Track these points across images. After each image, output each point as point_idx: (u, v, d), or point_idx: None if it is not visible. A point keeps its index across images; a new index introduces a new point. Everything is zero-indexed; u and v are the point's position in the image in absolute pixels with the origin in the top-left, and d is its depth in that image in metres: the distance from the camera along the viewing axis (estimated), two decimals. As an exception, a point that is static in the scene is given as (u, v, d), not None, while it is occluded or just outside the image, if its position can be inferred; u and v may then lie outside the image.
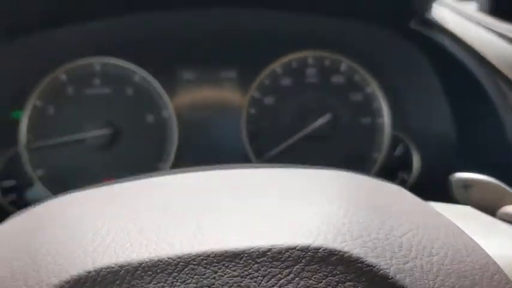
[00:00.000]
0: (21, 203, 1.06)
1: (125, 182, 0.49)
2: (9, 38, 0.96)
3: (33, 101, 1.06)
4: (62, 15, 1.00)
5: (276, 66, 1.12)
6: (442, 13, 0.94)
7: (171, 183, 0.45)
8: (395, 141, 1.12)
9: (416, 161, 1.11)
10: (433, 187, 1.09)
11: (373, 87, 1.12)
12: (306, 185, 0.41)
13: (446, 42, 0.91)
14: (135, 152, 1.08)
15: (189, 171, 0.48)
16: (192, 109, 1.12)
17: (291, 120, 1.11)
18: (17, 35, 0.97)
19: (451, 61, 0.92)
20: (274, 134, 1.11)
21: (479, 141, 0.92)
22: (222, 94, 1.13)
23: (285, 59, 1.13)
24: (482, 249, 0.33)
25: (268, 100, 1.12)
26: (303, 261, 0.30)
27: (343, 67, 1.13)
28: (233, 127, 1.12)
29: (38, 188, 1.06)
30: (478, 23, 0.96)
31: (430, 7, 0.92)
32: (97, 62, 1.09)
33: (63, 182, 1.06)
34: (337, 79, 1.13)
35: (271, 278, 0.29)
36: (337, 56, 1.13)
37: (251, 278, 0.30)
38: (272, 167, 0.48)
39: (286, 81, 1.13)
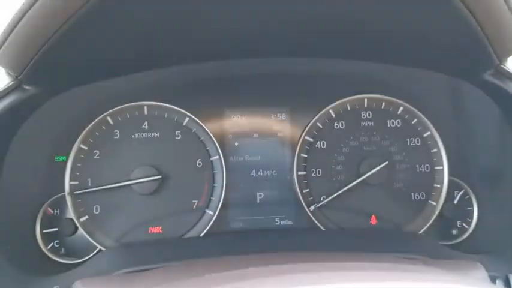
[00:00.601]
0: (62, 250, 1.02)
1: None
2: (63, 89, 0.93)
3: (78, 145, 1.02)
4: (113, 69, 0.97)
5: (330, 108, 1.08)
6: None
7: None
8: (454, 189, 1.07)
9: (475, 209, 1.05)
10: (494, 235, 1.04)
11: (432, 132, 1.07)
12: None
13: None
14: (182, 197, 1.03)
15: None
16: (240, 153, 1.07)
17: (345, 166, 1.06)
18: (71, 87, 0.94)
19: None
20: (326, 180, 1.06)
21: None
22: (273, 138, 1.08)
23: (340, 101, 1.08)
24: None
25: (321, 144, 1.07)
26: None
27: (400, 111, 1.08)
28: (283, 172, 1.07)
29: (80, 234, 1.01)
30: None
31: (507, 60, 0.87)
32: (145, 105, 1.05)
33: (106, 229, 1.01)
34: (394, 123, 1.08)
35: None
36: (394, 99, 1.08)
37: None
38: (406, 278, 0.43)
39: (340, 125, 1.08)
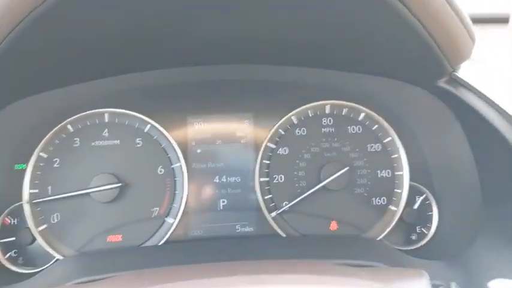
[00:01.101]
0: (20, 260, 1.00)
1: None
2: (21, 95, 0.92)
3: (37, 153, 1.01)
4: (73, 76, 0.97)
5: (292, 115, 1.09)
6: (472, 70, 0.91)
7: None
8: (414, 194, 1.08)
9: (435, 215, 1.06)
10: (452, 241, 1.05)
11: (393, 138, 1.08)
12: None
13: (473, 100, 0.88)
14: (142, 205, 1.03)
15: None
16: (203, 160, 1.07)
17: (306, 172, 1.06)
18: (28, 94, 0.93)
19: (477, 118, 0.88)
20: (288, 186, 1.06)
21: (505, 202, 0.89)
22: (236, 144, 1.08)
23: (301, 108, 1.09)
24: None
25: (282, 150, 1.08)
26: None
27: (361, 117, 1.09)
28: (246, 179, 1.07)
29: (39, 244, 1.00)
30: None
31: (460, 67, 0.88)
32: (106, 112, 1.04)
33: (65, 238, 1.00)
34: (354, 129, 1.09)
35: None
36: (355, 105, 1.09)
37: None
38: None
39: (301, 131, 1.09)
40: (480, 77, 0.91)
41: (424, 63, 0.88)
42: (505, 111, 0.84)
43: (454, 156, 1.01)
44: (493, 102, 0.86)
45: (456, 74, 0.90)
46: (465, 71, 0.91)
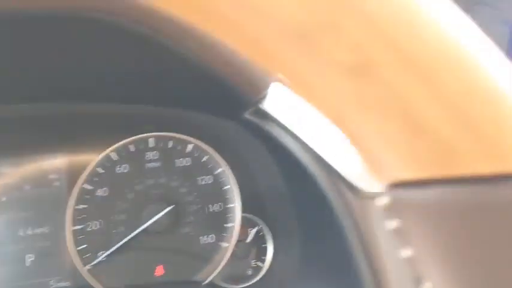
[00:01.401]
0: None
1: None
2: None
3: None
4: None
5: (111, 151, 0.99)
6: (281, 101, 0.87)
7: None
8: (248, 226, 1.03)
9: (270, 247, 1.01)
10: (286, 275, 1.01)
11: (224, 169, 1.02)
12: None
13: (277, 132, 0.84)
14: None
15: None
16: (8, 210, 0.93)
17: (129, 214, 0.96)
18: None
19: (283, 150, 0.84)
20: (107, 232, 0.95)
21: (319, 235, 0.85)
22: (47, 189, 0.96)
23: (122, 143, 0.99)
24: None
25: (102, 192, 0.97)
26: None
27: (189, 148, 1.02)
28: (57, 228, 0.95)
29: None
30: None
31: (263, 98, 0.84)
32: None
33: None
34: (182, 162, 1.01)
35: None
36: (182, 136, 1.01)
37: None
38: None
39: (123, 169, 0.99)
40: (287, 105, 0.87)
41: (223, 95, 0.82)
42: (303, 141, 0.80)
43: (280, 187, 0.97)
44: (295, 134, 0.82)
45: (260, 106, 0.85)
46: (271, 99, 0.87)
